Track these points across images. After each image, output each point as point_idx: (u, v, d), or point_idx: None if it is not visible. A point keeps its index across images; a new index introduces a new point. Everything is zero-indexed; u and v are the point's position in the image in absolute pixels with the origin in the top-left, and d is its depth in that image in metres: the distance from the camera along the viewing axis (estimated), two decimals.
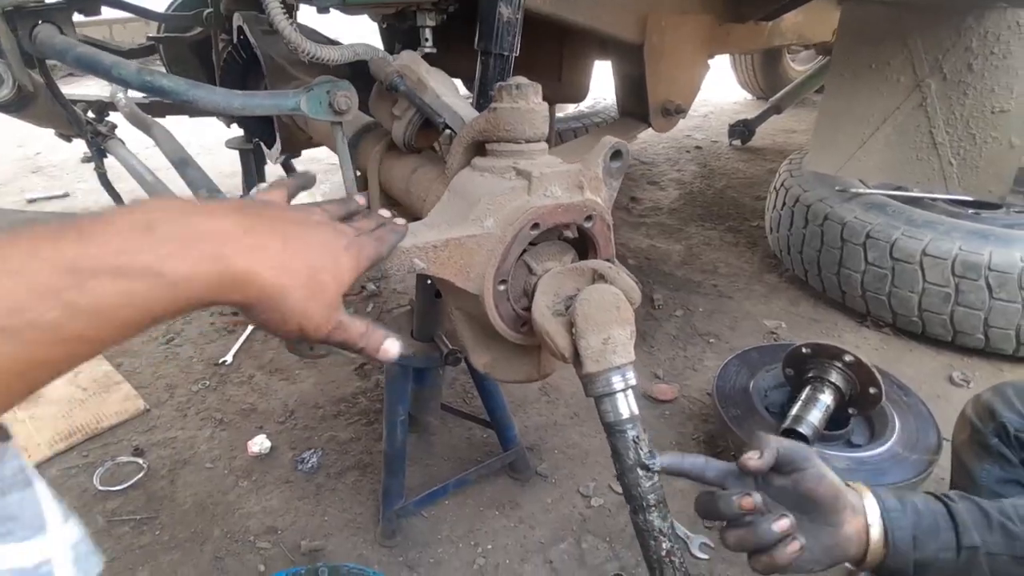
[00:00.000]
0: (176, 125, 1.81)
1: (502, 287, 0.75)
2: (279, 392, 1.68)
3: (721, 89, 4.83)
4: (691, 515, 1.29)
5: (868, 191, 1.95)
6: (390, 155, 1.08)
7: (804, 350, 1.26)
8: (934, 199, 1.99)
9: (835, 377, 1.22)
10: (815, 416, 1.18)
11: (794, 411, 1.19)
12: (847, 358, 1.20)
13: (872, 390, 1.20)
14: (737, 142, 3.65)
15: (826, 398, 1.20)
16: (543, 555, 1.21)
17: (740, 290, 2.16)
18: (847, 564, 0.68)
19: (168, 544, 1.25)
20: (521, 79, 0.78)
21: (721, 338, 1.89)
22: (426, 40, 1.19)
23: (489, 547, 1.22)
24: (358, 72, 1.06)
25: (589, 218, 0.77)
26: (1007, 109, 1.19)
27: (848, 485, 0.68)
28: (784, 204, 2.11)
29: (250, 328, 1.94)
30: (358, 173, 1.17)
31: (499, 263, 0.73)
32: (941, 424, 1.28)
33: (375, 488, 1.34)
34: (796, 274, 2.14)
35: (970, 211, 1.95)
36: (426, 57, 1.03)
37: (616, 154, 0.79)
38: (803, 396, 1.21)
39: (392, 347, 0.53)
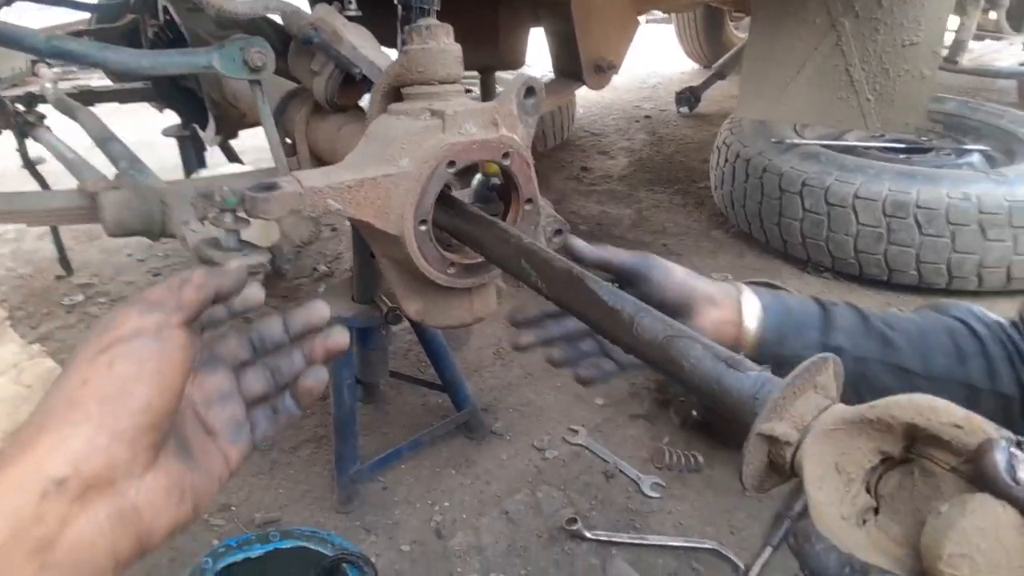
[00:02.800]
0: (118, 126, 1.76)
1: (423, 227, 0.76)
2: None
3: (669, 60, 4.88)
4: (642, 458, 1.33)
5: (803, 142, 2.00)
6: (316, 117, 1.07)
7: None
8: (867, 147, 2.06)
9: None
10: None
11: None
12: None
13: None
14: (685, 109, 3.70)
15: None
16: (499, 507, 1.23)
17: (689, 247, 2.20)
18: None
19: None
20: (431, 20, 0.78)
21: None
22: (350, 3, 1.18)
23: (446, 504, 1.24)
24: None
25: (506, 155, 0.78)
26: (916, 41, 1.23)
27: (726, 280, 0.68)
28: (726, 161, 2.15)
29: None
30: (288, 141, 1.16)
31: (417, 201, 0.73)
32: None
33: (331, 459, 1.34)
34: (741, 228, 2.20)
35: (900, 156, 2.03)
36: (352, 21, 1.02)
37: (529, 91, 0.79)
38: None
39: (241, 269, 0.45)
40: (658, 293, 0.63)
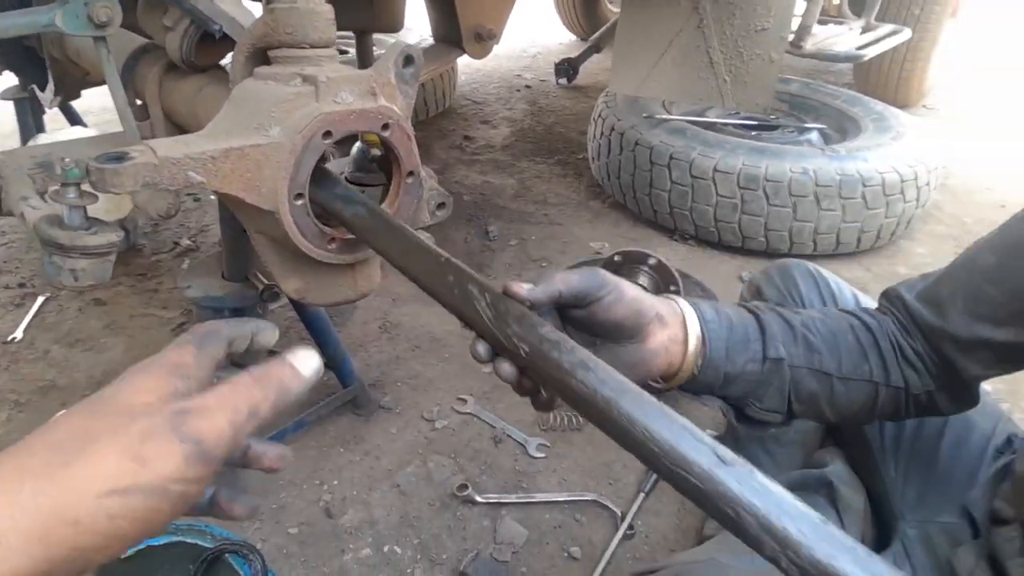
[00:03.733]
0: None
1: (299, 202, 0.72)
2: (82, 364, 1.51)
3: (548, 31, 4.93)
4: (528, 422, 1.38)
5: (671, 117, 2.13)
6: (171, 77, 0.97)
7: (616, 258, 1.38)
8: (725, 123, 2.23)
9: (642, 279, 1.35)
10: None
11: None
12: (651, 261, 1.34)
13: (672, 288, 1.34)
14: (563, 80, 3.77)
15: None
16: (390, 480, 1.23)
17: (569, 217, 2.28)
18: (652, 382, 0.64)
19: None
20: None
21: (552, 262, 1.99)
22: None
23: (335, 483, 1.22)
24: None
25: (386, 127, 0.76)
26: (767, 27, 1.35)
27: (668, 297, 0.66)
28: (602, 133, 2.24)
29: (41, 299, 1.70)
30: (139, 102, 1.05)
31: (291, 175, 0.70)
32: None
33: None
34: (616, 199, 2.30)
35: (752, 133, 2.22)
36: None
37: (408, 59, 0.78)
38: None
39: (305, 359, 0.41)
40: (611, 315, 0.59)
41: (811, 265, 1.05)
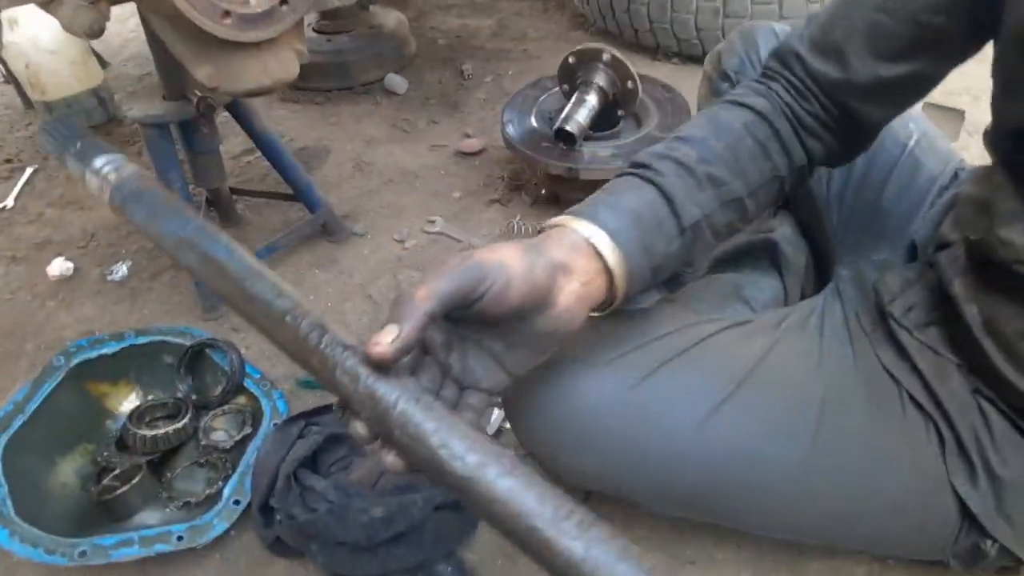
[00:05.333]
0: None
1: None
2: (75, 221, 1.58)
3: None
4: (496, 235, 1.41)
5: None
6: None
7: (570, 59, 1.33)
8: None
9: (599, 78, 1.30)
10: (582, 115, 1.27)
11: (563, 114, 1.28)
12: (605, 56, 1.28)
13: (630, 84, 1.30)
14: None
15: (592, 98, 1.29)
16: (363, 293, 1.29)
17: (548, 50, 2.18)
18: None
19: None
20: None
21: None
22: None
23: (311, 298, 1.29)
24: None
25: None
26: None
27: (563, 225, 0.55)
28: None
29: (29, 170, 1.76)
30: None
31: None
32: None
33: (191, 282, 1.34)
34: (598, 26, 2.18)
35: None
36: None
37: None
38: (572, 100, 1.30)
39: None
40: (504, 304, 0.47)
41: (777, 26, 0.97)
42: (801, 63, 0.65)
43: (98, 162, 0.52)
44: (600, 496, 0.87)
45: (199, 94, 1.04)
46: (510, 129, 1.38)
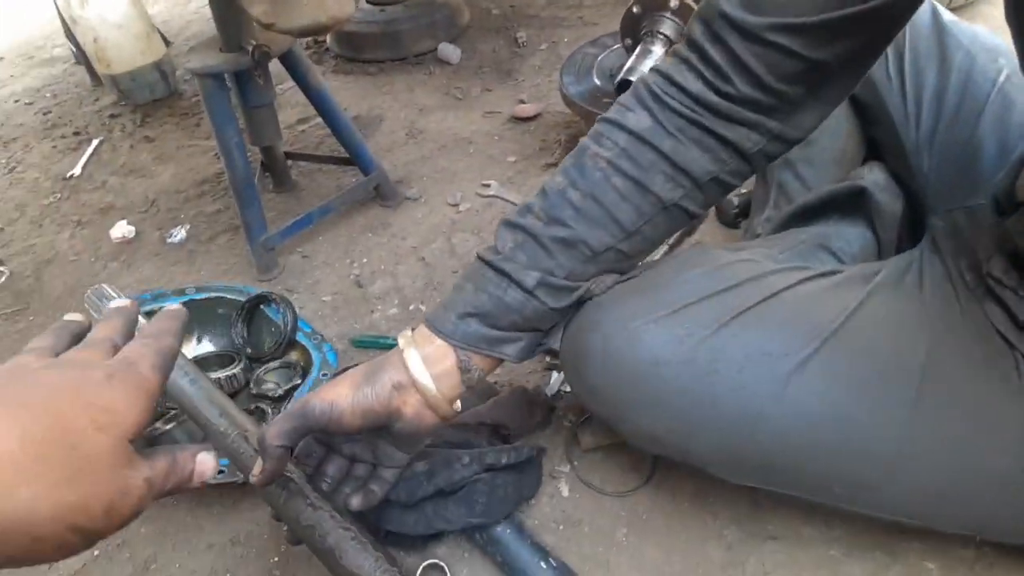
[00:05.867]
0: None
1: None
2: (137, 188, 1.61)
3: None
4: None
5: None
6: None
7: (635, 9, 1.25)
8: None
9: (665, 27, 1.22)
10: (646, 66, 1.20)
11: (627, 65, 1.21)
12: (673, 3, 1.20)
13: None
14: None
15: (657, 49, 1.21)
16: (416, 255, 1.26)
17: (605, 16, 2.10)
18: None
19: (44, 325, 1.24)
20: None
21: None
22: None
23: (364, 261, 1.27)
24: None
25: None
26: None
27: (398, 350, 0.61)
28: None
29: (96, 141, 1.80)
30: None
31: None
32: None
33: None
34: None
35: None
36: None
37: None
38: (636, 52, 1.22)
39: (206, 461, 0.40)
40: (345, 428, 0.59)
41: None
42: (727, 22, 0.53)
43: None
44: (669, 463, 0.81)
45: (255, 43, 1.02)
46: (569, 86, 1.32)
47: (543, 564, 0.72)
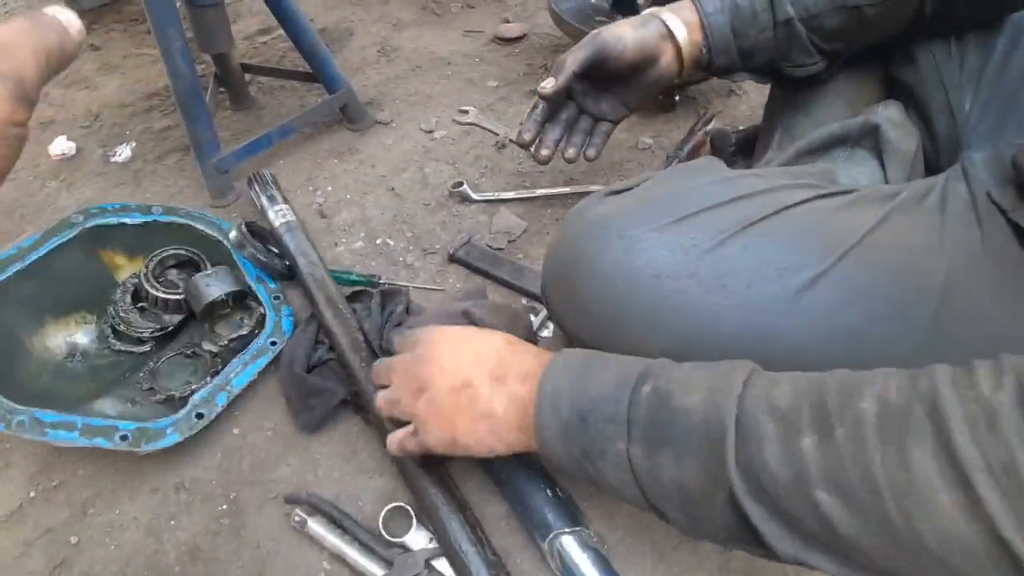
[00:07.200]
0: None
1: None
2: (79, 101, 1.46)
3: None
4: None
5: None
6: None
7: None
8: None
9: None
10: None
11: None
12: None
13: None
14: None
15: None
16: (385, 185, 1.16)
17: None
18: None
19: None
20: None
21: None
22: None
23: (329, 189, 1.17)
24: None
25: None
26: None
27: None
28: None
29: None
30: None
31: None
32: None
33: None
34: None
35: None
36: None
37: None
38: None
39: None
40: (623, 63, 0.72)
41: None
42: None
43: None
44: None
45: None
46: (560, 2, 1.20)
47: (549, 492, 0.67)
